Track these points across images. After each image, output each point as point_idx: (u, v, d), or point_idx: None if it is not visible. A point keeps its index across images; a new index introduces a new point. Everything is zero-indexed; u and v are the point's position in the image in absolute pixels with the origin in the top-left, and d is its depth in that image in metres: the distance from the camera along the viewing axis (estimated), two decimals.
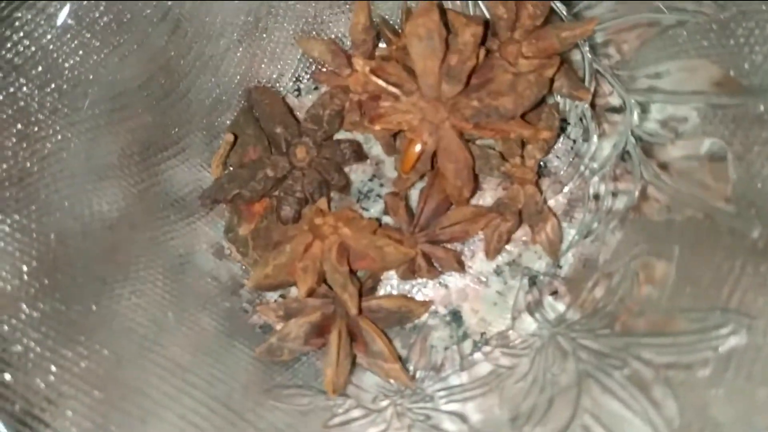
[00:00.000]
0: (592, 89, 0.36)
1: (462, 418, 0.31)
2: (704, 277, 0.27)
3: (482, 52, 0.33)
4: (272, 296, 0.37)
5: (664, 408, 0.25)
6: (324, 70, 0.38)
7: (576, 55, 0.36)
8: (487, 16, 0.36)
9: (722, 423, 0.24)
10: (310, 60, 0.40)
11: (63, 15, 0.32)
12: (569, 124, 0.38)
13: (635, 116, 0.34)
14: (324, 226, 0.33)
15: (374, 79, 0.34)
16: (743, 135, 0.29)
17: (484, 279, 0.37)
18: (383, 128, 0.34)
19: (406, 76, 0.33)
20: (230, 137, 0.36)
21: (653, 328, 0.28)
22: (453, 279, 0.37)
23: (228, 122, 0.39)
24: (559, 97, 0.36)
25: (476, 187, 0.36)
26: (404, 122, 0.33)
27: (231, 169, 0.37)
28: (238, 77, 0.39)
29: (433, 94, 0.32)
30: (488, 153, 0.35)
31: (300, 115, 0.40)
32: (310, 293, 0.33)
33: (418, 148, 0.33)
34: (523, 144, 0.35)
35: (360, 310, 0.32)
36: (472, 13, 0.38)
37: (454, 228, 0.35)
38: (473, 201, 0.36)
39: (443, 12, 0.33)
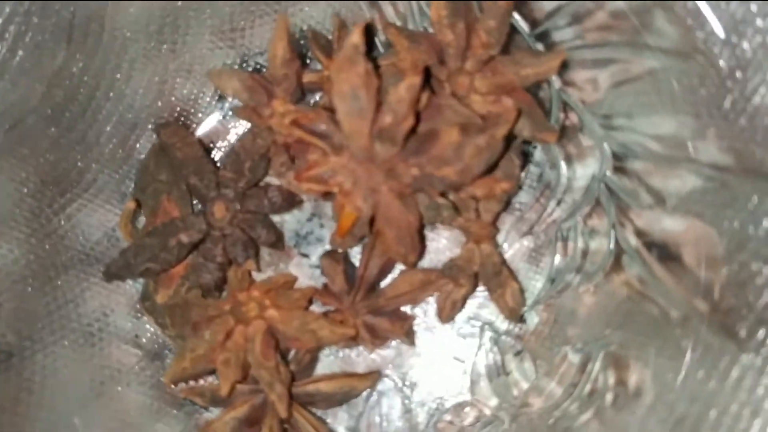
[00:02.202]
0: (561, 122, 0.30)
1: None
2: (678, 408, 0.23)
3: (425, 96, 0.27)
4: None
5: None
6: (244, 105, 0.32)
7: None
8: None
9: None
10: None
11: None
12: (534, 148, 0.32)
13: (608, 163, 0.28)
14: (249, 305, 0.29)
15: (298, 132, 0.28)
16: (738, 224, 0.23)
17: (438, 337, 0.32)
18: (310, 189, 0.28)
19: (336, 128, 0.28)
20: (131, 205, 0.31)
21: None
22: None
23: (138, 155, 0.34)
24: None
25: (423, 249, 0.31)
26: (335, 183, 0.28)
27: (143, 226, 0.32)
28: (149, 103, 0.34)
29: (365, 155, 0.27)
30: (439, 204, 0.30)
31: (225, 143, 0.34)
32: (233, 389, 0.29)
33: (352, 214, 0.28)
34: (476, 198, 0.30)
35: (289, 413, 0.28)
36: (419, 24, 0.31)
37: (400, 299, 0.30)
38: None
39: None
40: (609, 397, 0.26)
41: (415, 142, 0.27)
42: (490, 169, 0.29)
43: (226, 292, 0.31)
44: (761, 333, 0.22)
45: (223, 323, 0.29)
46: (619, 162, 0.28)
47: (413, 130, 0.27)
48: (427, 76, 0.28)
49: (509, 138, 0.28)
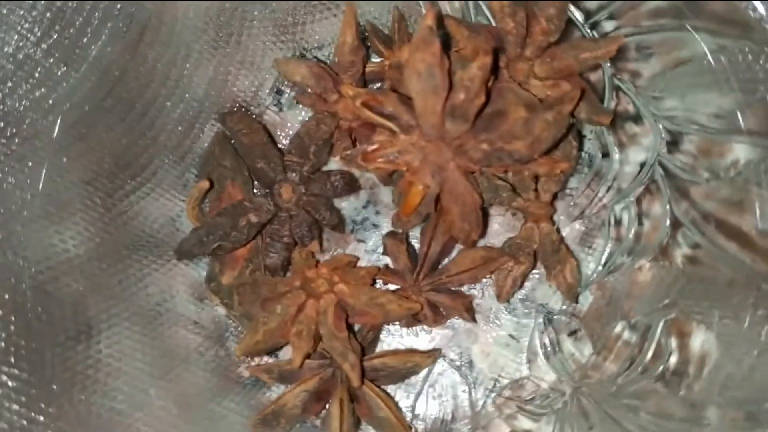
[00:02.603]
0: (614, 110, 0.31)
1: None
2: (748, 363, 0.24)
3: (489, 83, 0.29)
4: None
5: None
6: (309, 92, 0.33)
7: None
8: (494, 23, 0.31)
9: None
10: None
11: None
12: (584, 136, 0.34)
13: (662, 144, 0.30)
14: (318, 282, 0.30)
15: (367, 113, 0.29)
16: None
17: (494, 317, 0.34)
18: (378, 167, 0.30)
19: (404, 109, 0.29)
20: (204, 184, 0.32)
21: (687, 415, 0.25)
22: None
23: (201, 148, 0.35)
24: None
25: (486, 228, 0.32)
26: (403, 162, 0.29)
27: (208, 209, 0.33)
28: (211, 97, 0.35)
29: (436, 133, 0.28)
30: (498, 185, 0.32)
31: (282, 135, 0.35)
32: (306, 359, 0.29)
33: (420, 189, 0.29)
34: (536, 176, 0.31)
35: (362, 381, 0.29)
36: (473, 19, 0.33)
37: (462, 275, 0.31)
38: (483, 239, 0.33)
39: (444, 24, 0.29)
40: (673, 360, 0.27)
41: (484, 120, 0.28)
42: (550, 150, 0.30)
43: (290, 273, 0.32)
44: None
45: (294, 298, 0.30)
46: (674, 141, 0.29)
47: (481, 111, 0.28)
48: (494, 63, 0.29)
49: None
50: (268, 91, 0.36)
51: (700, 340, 0.26)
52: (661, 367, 0.28)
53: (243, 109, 0.35)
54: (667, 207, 0.30)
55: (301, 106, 0.35)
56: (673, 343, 0.27)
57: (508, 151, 0.28)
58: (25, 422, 0.28)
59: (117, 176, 0.33)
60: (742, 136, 0.26)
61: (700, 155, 0.28)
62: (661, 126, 0.30)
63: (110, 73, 0.32)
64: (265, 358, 0.33)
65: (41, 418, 0.28)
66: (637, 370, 0.28)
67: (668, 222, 0.30)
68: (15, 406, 0.28)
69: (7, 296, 0.29)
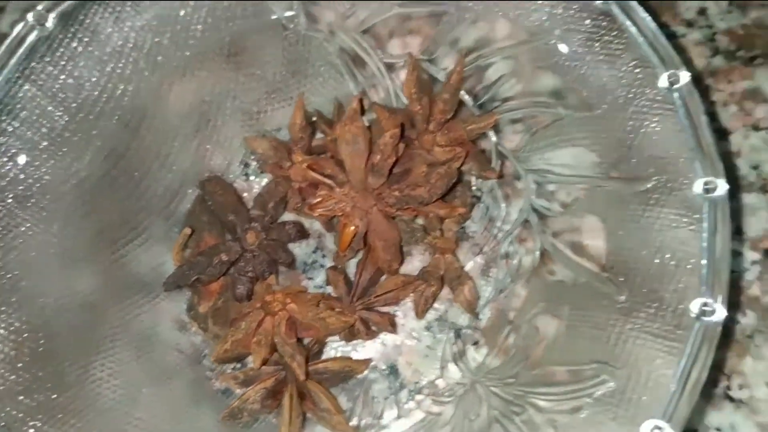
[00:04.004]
0: (499, 168, 0.42)
1: None
2: (585, 334, 0.34)
3: (401, 146, 0.39)
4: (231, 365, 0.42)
5: None
6: (269, 161, 0.43)
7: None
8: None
9: None
10: None
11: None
12: (483, 192, 0.44)
13: (533, 191, 0.40)
14: (273, 303, 0.39)
15: (311, 173, 0.39)
16: (615, 212, 0.35)
17: (416, 335, 0.42)
18: (321, 215, 0.39)
19: (338, 170, 0.39)
20: (187, 230, 0.41)
21: (544, 379, 0.34)
22: (389, 337, 0.42)
23: (184, 209, 0.44)
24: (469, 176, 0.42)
25: (403, 259, 0.41)
26: (338, 209, 0.39)
27: (189, 253, 0.42)
28: (193, 169, 0.44)
29: (361, 186, 0.38)
30: (413, 227, 0.41)
31: (249, 197, 0.45)
32: (264, 363, 0.38)
33: (352, 230, 0.39)
34: (442, 219, 0.41)
35: (307, 375, 0.38)
36: (395, 104, 0.44)
37: (386, 295, 0.40)
38: (402, 269, 0.42)
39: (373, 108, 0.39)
40: (539, 351, 0.36)
41: (396, 175, 0.38)
42: (446, 196, 0.40)
43: (254, 300, 0.41)
44: (629, 281, 0.33)
45: (255, 316, 0.38)
46: (540, 188, 0.40)
47: (393, 168, 0.38)
48: (402, 131, 0.40)
49: (461, 174, 0.40)
50: (238, 163, 0.46)
51: (553, 327, 0.35)
52: (528, 356, 0.36)
53: (217, 177, 0.44)
54: (537, 238, 0.40)
55: (263, 174, 0.45)
56: (539, 330, 0.36)
57: (413, 195, 0.37)
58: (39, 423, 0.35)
59: (118, 231, 0.41)
60: (582, 179, 0.37)
61: (555, 195, 0.38)
62: (530, 178, 0.40)
63: (116, 150, 0.40)
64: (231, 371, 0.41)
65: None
66: (514, 360, 0.37)
67: (538, 250, 0.40)
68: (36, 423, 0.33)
69: (25, 327, 0.35)
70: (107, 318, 0.40)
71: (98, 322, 0.39)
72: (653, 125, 0.34)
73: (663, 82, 0.33)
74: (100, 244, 0.40)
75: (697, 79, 0.49)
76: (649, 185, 0.34)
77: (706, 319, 0.30)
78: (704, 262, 0.31)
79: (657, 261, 0.33)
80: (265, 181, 0.45)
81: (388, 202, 0.38)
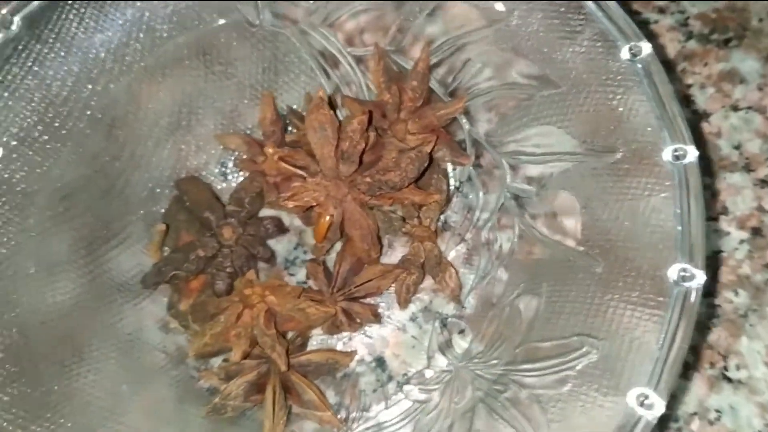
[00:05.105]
0: (473, 155, 0.42)
1: None
2: (565, 309, 0.33)
3: (372, 135, 0.39)
4: (217, 362, 0.42)
5: (536, 421, 0.30)
6: (243, 158, 0.43)
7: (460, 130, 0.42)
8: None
9: (584, 426, 0.29)
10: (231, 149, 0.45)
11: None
12: (461, 182, 0.44)
13: (508, 176, 0.40)
14: (252, 296, 0.38)
15: (283, 165, 0.39)
16: (587, 187, 0.35)
17: (401, 326, 0.42)
18: (296, 205, 0.39)
19: (311, 160, 0.39)
20: (162, 227, 0.41)
21: (527, 356, 0.33)
22: (375, 329, 0.42)
23: (163, 210, 0.44)
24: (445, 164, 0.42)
25: (382, 247, 0.41)
26: (312, 199, 0.39)
27: (167, 252, 0.42)
28: (169, 170, 0.44)
29: (333, 174, 0.38)
30: (391, 217, 0.41)
31: (227, 196, 0.45)
32: (245, 356, 0.38)
33: (327, 219, 0.39)
34: (420, 207, 0.41)
35: (289, 366, 0.37)
36: (366, 97, 0.43)
37: (367, 285, 0.40)
38: (385, 261, 0.42)
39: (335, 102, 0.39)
40: (523, 326, 0.36)
41: (368, 163, 0.38)
42: (426, 185, 0.40)
43: (233, 294, 0.41)
44: (605, 252, 0.32)
45: (234, 309, 0.38)
46: (514, 171, 0.39)
47: (364, 157, 0.38)
48: (370, 119, 0.39)
49: (436, 161, 0.40)
50: (215, 164, 0.46)
51: (533, 305, 0.35)
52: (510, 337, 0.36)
53: (193, 176, 0.44)
54: (515, 221, 0.39)
55: (240, 173, 0.45)
56: (521, 310, 0.36)
57: (384, 180, 0.37)
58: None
59: (97, 234, 0.41)
60: (553, 156, 0.36)
61: (529, 174, 0.38)
62: (503, 161, 0.40)
63: (90, 152, 0.40)
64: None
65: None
66: (498, 343, 0.37)
67: (517, 232, 0.39)
68: (8, 416, 0.33)
69: (14, 331, 0.36)
70: (88, 324, 0.40)
71: (79, 327, 0.39)
72: (618, 97, 0.34)
73: (625, 54, 0.33)
74: (79, 253, 0.40)
75: (671, 64, 0.49)
76: (618, 156, 0.33)
77: (685, 284, 0.30)
78: (679, 228, 0.31)
79: (632, 231, 0.32)
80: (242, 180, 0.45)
81: (361, 189, 0.38)
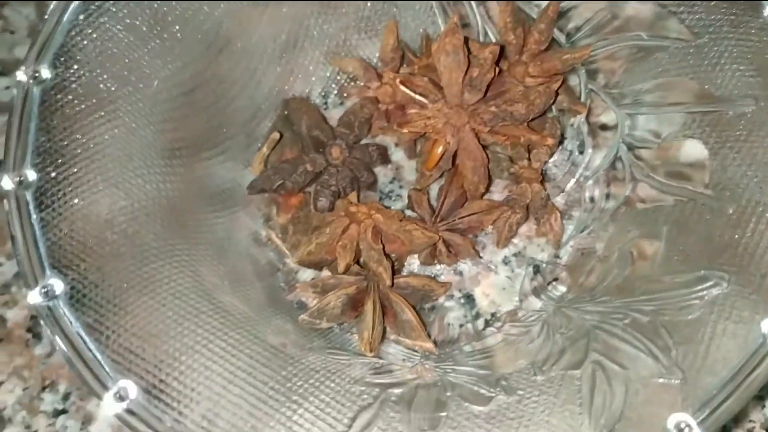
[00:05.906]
0: (588, 105, 0.42)
1: (484, 366, 0.35)
2: (689, 248, 0.33)
3: (496, 70, 0.39)
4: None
5: (663, 342, 0.30)
6: (352, 85, 0.43)
7: (573, 80, 0.42)
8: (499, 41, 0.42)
9: (714, 351, 0.29)
10: (337, 78, 0.45)
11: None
12: (566, 138, 0.44)
13: (626, 127, 0.40)
14: (359, 213, 0.38)
15: (404, 89, 0.39)
16: (717, 135, 0.35)
17: (493, 267, 0.42)
18: (410, 131, 0.39)
19: (432, 87, 0.39)
20: (276, 135, 0.41)
21: (648, 289, 0.33)
22: (466, 267, 0.41)
23: (265, 128, 0.44)
24: (557, 112, 0.42)
25: (490, 183, 0.41)
26: (429, 126, 0.39)
27: (269, 167, 0.42)
28: (276, 90, 0.45)
29: (457, 101, 0.38)
30: (499, 157, 0.41)
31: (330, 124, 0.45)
32: (348, 268, 0.37)
33: (440, 149, 0.39)
34: (529, 149, 0.41)
35: (392, 283, 0.37)
36: (483, 40, 0.44)
37: (471, 218, 0.40)
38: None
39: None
40: (638, 267, 0.35)
41: (493, 92, 0.38)
42: (540, 128, 0.40)
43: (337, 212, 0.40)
44: (732, 192, 0.32)
45: (340, 222, 0.38)
46: (633, 123, 0.40)
47: (488, 90, 0.38)
48: (499, 56, 0.40)
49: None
50: (318, 92, 0.46)
51: (653, 249, 0.35)
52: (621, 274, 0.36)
53: (301, 97, 0.44)
54: (628, 172, 0.39)
55: (342, 105, 0.45)
56: (634, 254, 0.36)
57: (510, 111, 0.37)
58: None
59: (199, 143, 0.42)
60: (673, 106, 0.37)
61: (646, 125, 0.38)
62: (623, 112, 0.40)
63: (197, 71, 0.41)
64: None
65: None
66: (603, 286, 0.37)
67: (629, 185, 0.39)
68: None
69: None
70: (193, 217, 0.39)
71: (185, 217, 0.39)
72: (753, 53, 0.34)
73: None
74: (181, 157, 0.40)
75: None
76: (753, 108, 0.34)
77: None
78: None
79: (765, 179, 0.32)
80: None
81: (484, 118, 0.38)
